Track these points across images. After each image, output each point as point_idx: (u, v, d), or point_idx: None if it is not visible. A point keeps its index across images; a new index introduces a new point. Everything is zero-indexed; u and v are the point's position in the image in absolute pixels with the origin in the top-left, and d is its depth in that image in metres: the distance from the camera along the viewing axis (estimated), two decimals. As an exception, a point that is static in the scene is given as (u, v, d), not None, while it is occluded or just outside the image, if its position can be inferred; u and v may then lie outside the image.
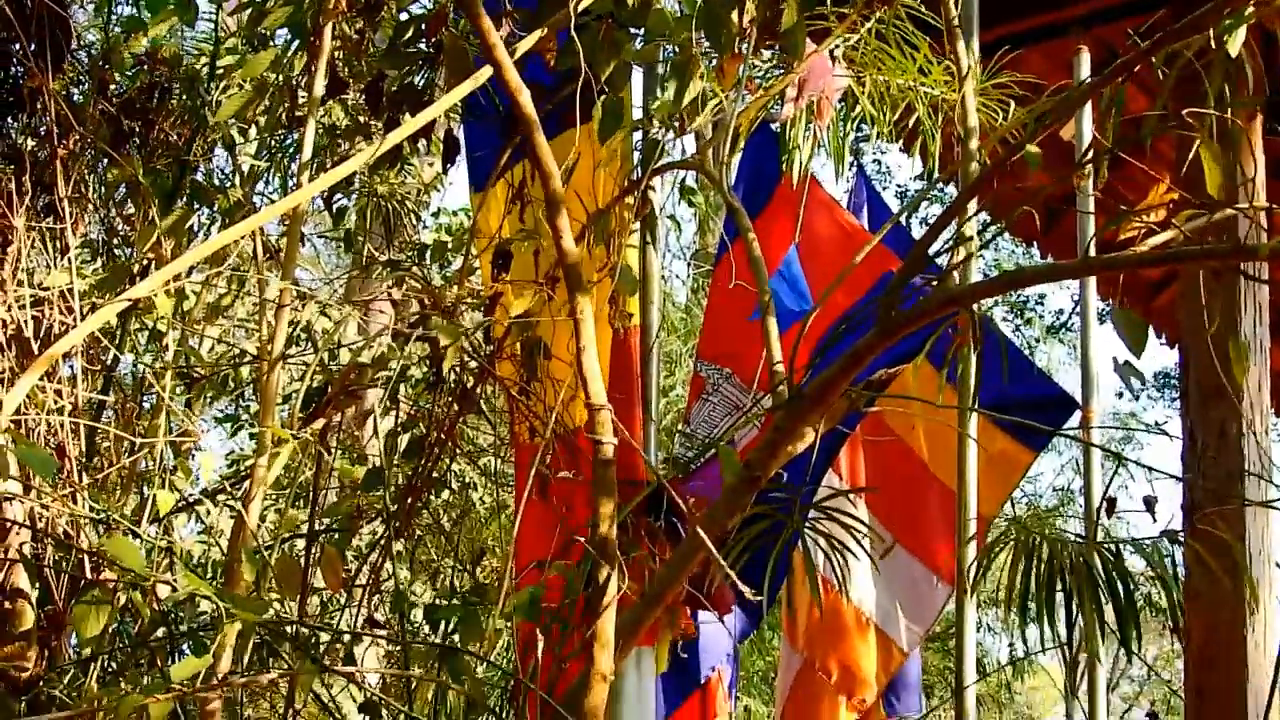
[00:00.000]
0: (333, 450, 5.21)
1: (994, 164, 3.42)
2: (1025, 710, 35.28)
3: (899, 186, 23.58)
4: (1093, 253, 3.89)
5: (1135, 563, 4.29)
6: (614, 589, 3.19)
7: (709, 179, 4.52)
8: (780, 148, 5.30)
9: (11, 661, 3.90)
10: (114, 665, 4.44)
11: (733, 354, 5.95)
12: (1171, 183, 3.20)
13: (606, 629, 3.14)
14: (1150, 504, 4.19)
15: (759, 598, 3.19)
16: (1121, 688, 39.38)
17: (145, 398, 5.22)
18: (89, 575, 4.03)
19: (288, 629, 4.20)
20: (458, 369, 4.79)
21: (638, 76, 4.94)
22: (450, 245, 6.90)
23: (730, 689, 6.29)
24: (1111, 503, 4.53)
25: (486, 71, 3.67)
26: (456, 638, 4.06)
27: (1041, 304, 28.39)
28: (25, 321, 4.38)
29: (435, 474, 4.83)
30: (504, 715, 3.77)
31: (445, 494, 5.83)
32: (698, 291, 21.95)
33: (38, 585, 4.11)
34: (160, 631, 4.30)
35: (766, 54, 4.73)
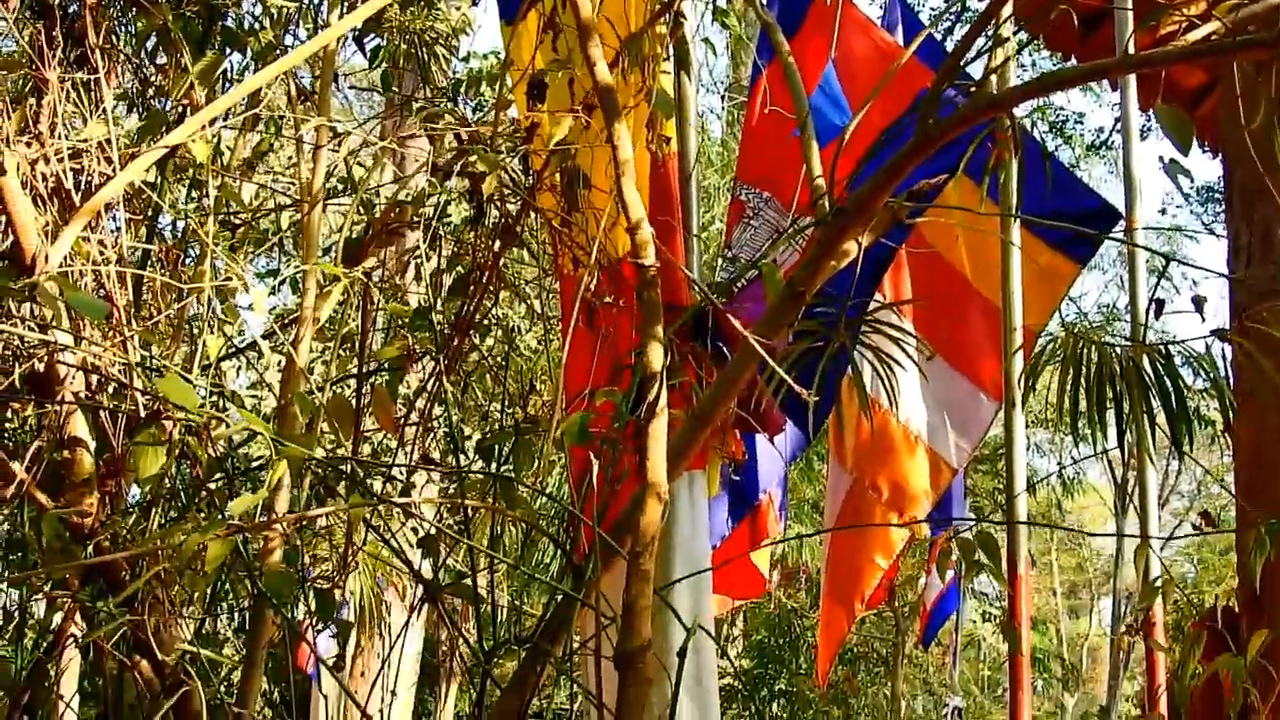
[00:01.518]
0: (377, 292, 5.24)
1: None
2: (1077, 536, 35.44)
3: (932, 9, 23.32)
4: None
5: (1185, 374, 4.28)
6: (664, 408, 3.20)
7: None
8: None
9: (72, 508, 3.94)
10: (173, 511, 4.49)
11: (772, 177, 5.93)
12: (1212, -26, 3.13)
13: (658, 448, 3.16)
14: (1199, 303, 4.16)
15: (815, 397, 3.18)
16: (1171, 504, 39.61)
17: (189, 247, 5.23)
18: (144, 419, 4.06)
19: (343, 469, 4.24)
20: (498, 203, 4.78)
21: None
22: (484, 80, 6.85)
23: (781, 512, 6.36)
24: (1159, 304, 4.50)
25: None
26: (509, 469, 4.10)
27: (1081, 123, 28.20)
28: (65, 174, 4.38)
29: (480, 312, 4.84)
30: (561, 542, 3.80)
31: (490, 340, 5.84)
32: (733, 125, 21.84)
33: (95, 433, 4.14)
34: (217, 476, 4.36)
35: None
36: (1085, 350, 4.02)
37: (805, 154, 3.71)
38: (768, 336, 3.22)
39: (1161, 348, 4.01)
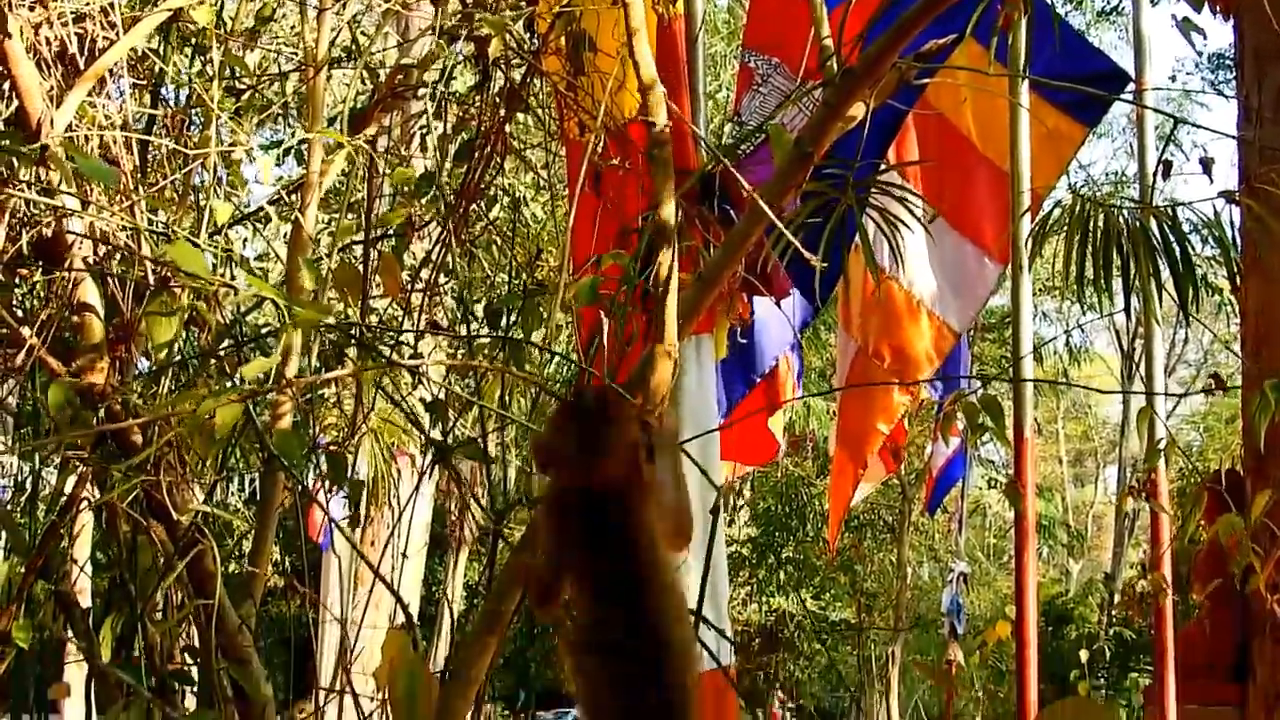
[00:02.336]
0: (383, 159, 5.22)
1: None
2: (1082, 396, 35.64)
3: None
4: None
5: (1193, 242, 4.27)
6: (674, 266, 3.21)
7: None
8: None
9: (83, 374, 3.96)
10: (184, 377, 4.51)
11: (781, 43, 5.89)
12: None
13: (670, 308, 3.17)
14: (1207, 165, 4.15)
15: (822, 263, 3.18)
16: (1178, 372, 39.68)
17: (194, 114, 5.21)
18: (154, 287, 4.07)
19: (352, 334, 4.26)
20: (503, 68, 4.76)
21: None
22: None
23: (798, 379, 6.38)
24: (1168, 165, 4.47)
25: None
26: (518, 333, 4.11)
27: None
28: (69, 38, 4.36)
29: (486, 178, 4.83)
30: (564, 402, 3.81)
31: (497, 209, 5.83)
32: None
33: (104, 299, 4.15)
34: (226, 343, 4.38)
35: None
36: (1093, 214, 4.01)
37: (813, 15, 3.68)
38: (775, 198, 3.22)
39: (1169, 210, 4.00)
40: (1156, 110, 5.64)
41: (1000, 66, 5.20)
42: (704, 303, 3.39)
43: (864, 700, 31.27)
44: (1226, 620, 5.91)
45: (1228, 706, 5.91)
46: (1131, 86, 6.16)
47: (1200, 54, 28.40)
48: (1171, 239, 3.94)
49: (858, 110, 3.28)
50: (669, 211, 3.26)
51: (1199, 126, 3.78)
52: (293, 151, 5.31)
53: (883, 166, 5.38)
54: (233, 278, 4.34)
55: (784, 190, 3.24)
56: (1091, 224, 4.01)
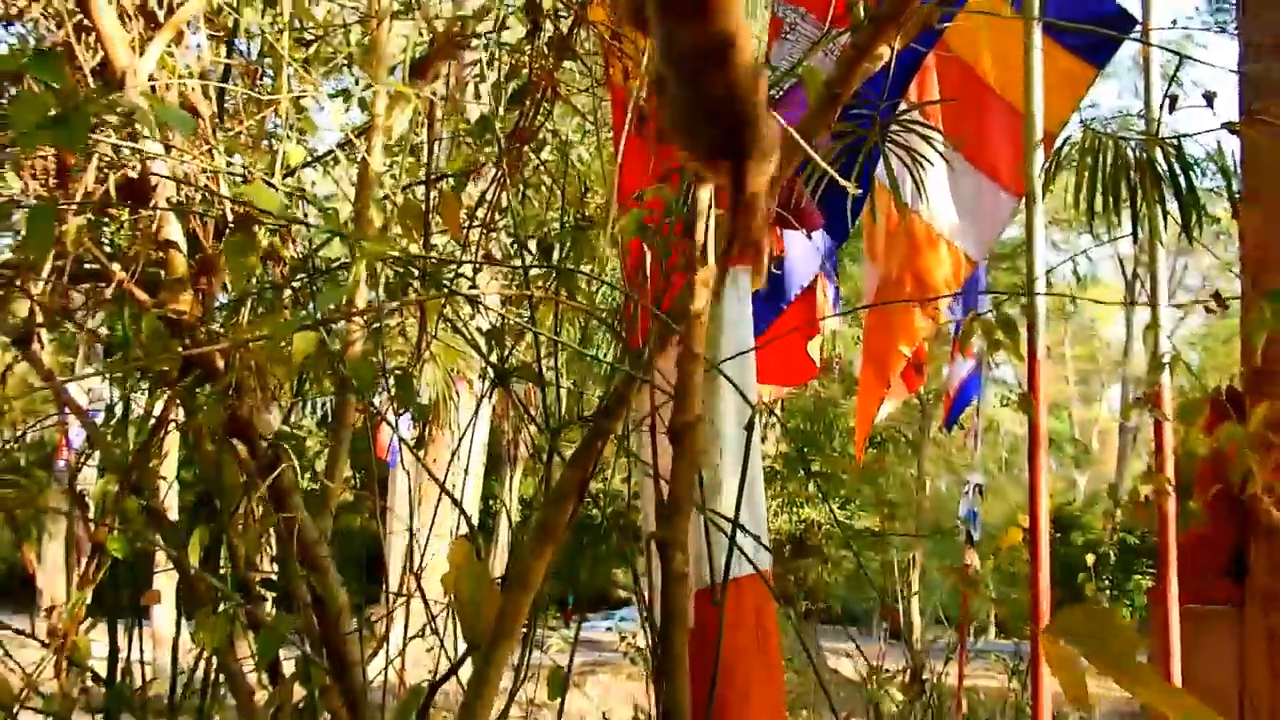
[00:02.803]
0: (441, 105, 5.21)
1: None
2: (1088, 322, 35.60)
3: None
4: None
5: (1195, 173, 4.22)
6: (711, 201, 3.18)
7: None
8: None
9: (168, 305, 3.97)
10: (261, 308, 4.51)
11: (804, -12, 5.83)
12: None
13: (705, 239, 3.15)
14: (1210, 98, 4.10)
15: (856, 189, 3.15)
16: (1178, 297, 39.47)
17: (266, 64, 5.20)
18: (232, 223, 4.08)
19: (415, 266, 4.25)
20: (552, 18, 4.73)
21: None
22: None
23: (834, 301, 6.37)
24: (1174, 100, 4.43)
25: None
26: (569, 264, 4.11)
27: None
28: (149, -5, 4.35)
29: (537, 123, 4.82)
30: (617, 329, 3.81)
31: (546, 151, 5.82)
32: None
33: (187, 236, 4.16)
34: (300, 275, 4.38)
35: None
36: (1103, 146, 3.98)
37: None
38: (809, 135, 3.19)
39: (1173, 141, 3.96)
40: (1162, 47, 5.55)
41: (1014, 11, 5.16)
42: (743, 233, 3.36)
43: (887, 602, 31.38)
44: (1226, 524, 5.88)
45: (1227, 605, 5.90)
46: (1138, 28, 6.08)
47: (1200, -1, 28.10)
48: (1176, 168, 3.90)
49: (883, 52, 3.24)
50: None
51: (1202, 63, 3.73)
52: (357, 99, 5.31)
53: (904, 106, 5.35)
54: (305, 215, 4.35)
55: (816, 128, 3.20)
56: (1101, 156, 3.98)
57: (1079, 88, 6.53)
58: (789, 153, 3.21)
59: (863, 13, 3.34)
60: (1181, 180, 3.90)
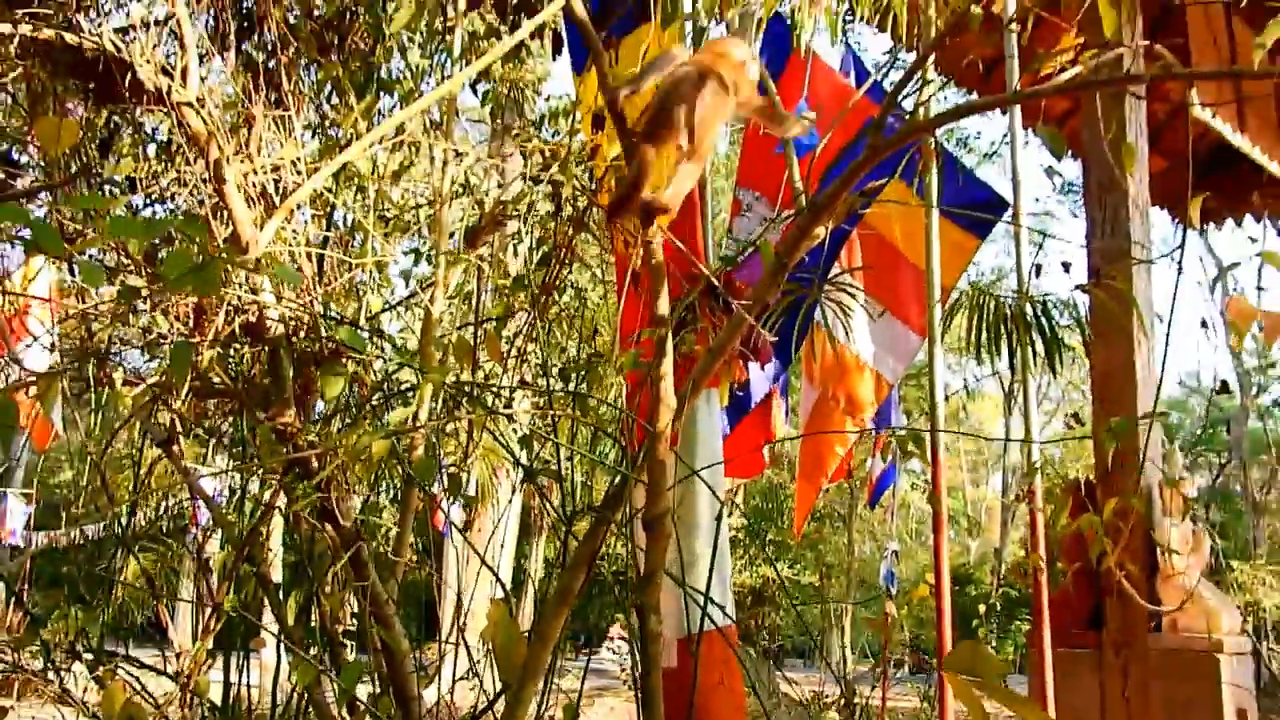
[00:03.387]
0: (487, 265, 5.23)
1: (946, 30, 3.29)
2: (976, 423, 35.51)
3: (874, 60, 23.08)
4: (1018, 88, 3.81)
5: (1057, 315, 4.25)
6: (671, 351, 3.19)
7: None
8: (790, 31, 5.19)
9: (277, 417, 3.96)
10: (348, 419, 4.50)
11: (761, 182, 5.89)
12: (1078, 31, 3.08)
13: (668, 376, 3.15)
14: (1067, 266, 4.15)
15: (794, 336, 3.16)
16: (1045, 405, 39.43)
17: (355, 234, 5.22)
18: (327, 355, 4.08)
19: (465, 390, 4.24)
20: (571, 202, 4.77)
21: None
22: (560, 114, 6.81)
23: (785, 415, 6.38)
24: (1038, 267, 4.48)
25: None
26: (583, 389, 4.11)
27: (978, 138, 27.98)
28: (268, 183, 4.38)
29: (559, 278, 4.84)
30: (618, 439, 3.80)
31: (566, 296, 5.84)
32: (733, 143, 21.74)
33: (292, 364, 4.16)
34: (377, 395, 4.37)
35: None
36: (986, 301, 4.01)
37: (787, 166, 3.67)
38: (764, 294, 3.21)
39: (1040, 298, 4.00)
40: (1031, 229, 5.60)
41: (918, 197, 5.22)
42: (712, 369, 3.36)
43: (824, 641, 31.02)
44: (1086, 587, 5.85)
45: (1087, 649, 5.85)
46: (1010, 211, 6.14)
47: (1058, 184, 28.36)
48: (1042, 318, 3.93)
49: (820, 232, 3.26)
50: (664, 308, 3.24)
51: (1056, 239, 3.76)
52: (424, 257, 5.33)
53: (837, 269, 5.42)
54: (382, 349, 4.34)
55: (769, 289, 3.22)
56: (985, 309, 4.01)
57: (967, 254, 6.61)
58: (750, 308, 3.22)
59: (804, 201, 3.37)
60: (1046, 329, 3.93)
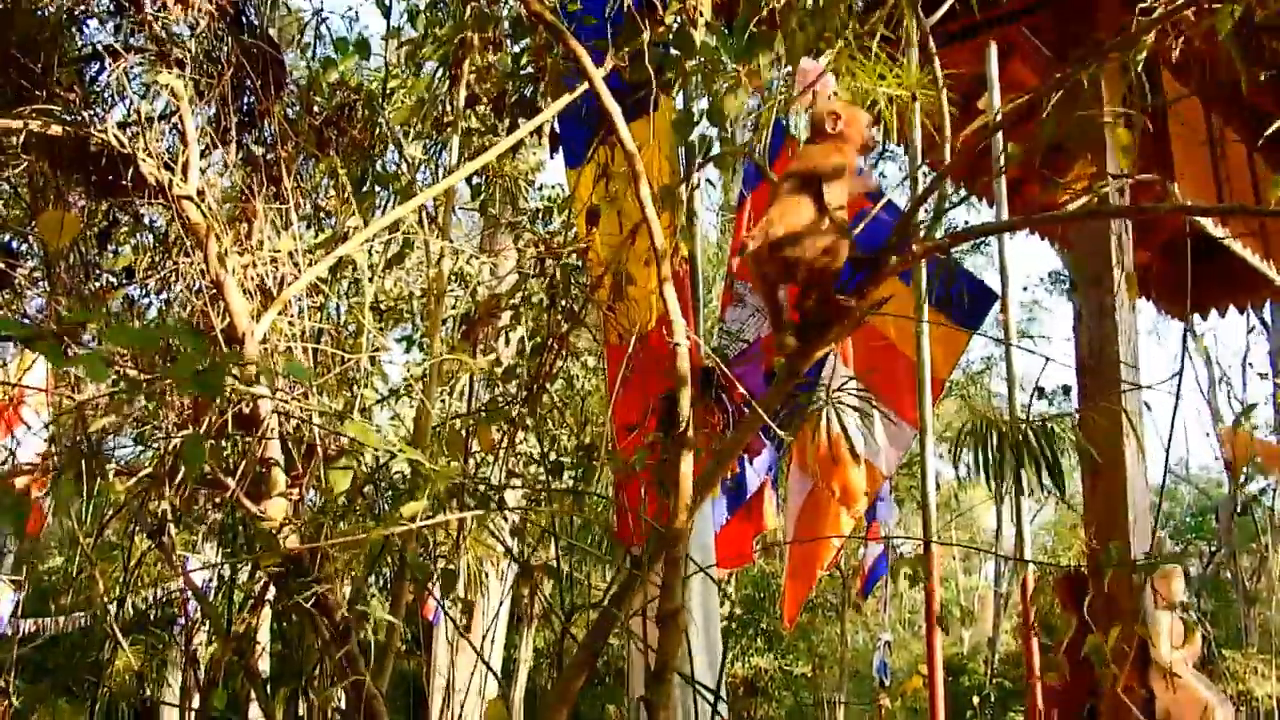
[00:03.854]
0: (481, 356, 5.24)
1: (967, 149, 3.31)
2: (969, 514, 35.42)
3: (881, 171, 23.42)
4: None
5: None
6: (691, 448, 3.17)
7: (749, 157, 4.49)
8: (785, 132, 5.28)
9: (267, 511, 3.95)
10: (339, 509, 4.47)
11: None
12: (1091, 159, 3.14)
13: (688, 477, 3.14)
14: (1066, 390, 4.20)
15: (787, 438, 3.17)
16: (1035, 493, 39.37)
17: (349, 325, 5.24)
18: (333, 449, 4.07)
19: (459, 485, 4.23)
20: (565, 294, 4.80)
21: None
22: (555, 209, 6.88)
23: (779, 505, 6.37)
24: (1040, 390, 4.50)
25: (583, 87, 3.62)
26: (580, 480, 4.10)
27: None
28: (266, 275, 4.41)
29: (552, 369, 4.85)
30: (613, 534, 3.81)
31: (559, 383, 5.85)
32: (724, 232, 21.92)
33: (285, 456, 4.15)
34: (368, 485, 4.35)
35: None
36: (989, 429, 4.04)
37: None
38: (774, 400, 3.22)
39: (1040, 420, 4.02)
40: (1018, 335, 5.65)
41: (910, 292, 5.29)
42: (719, 475, 3.38)
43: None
44: (1081, 682, 5.80)
45: (1081, 744, 5.80)
46: (999, 304, 6.19)
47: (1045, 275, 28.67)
48: (1043, 443, 3.96)
49: (834, 339, 3.29)
50: (686, 403, 3.22)
51: (1039, 338, 3.80)
52: (416, 344, 5.34)
53: (838, 370, 5.50)
54: (383, 442, 4.33)
55: (780, 396, 3.23)
56: (989, 433, 4.04)
57: (959, 346, 6.68)
58: (755, 418, 3.22)
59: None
60: (1048, 454, 3.96)
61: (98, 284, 5.03)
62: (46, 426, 5.51)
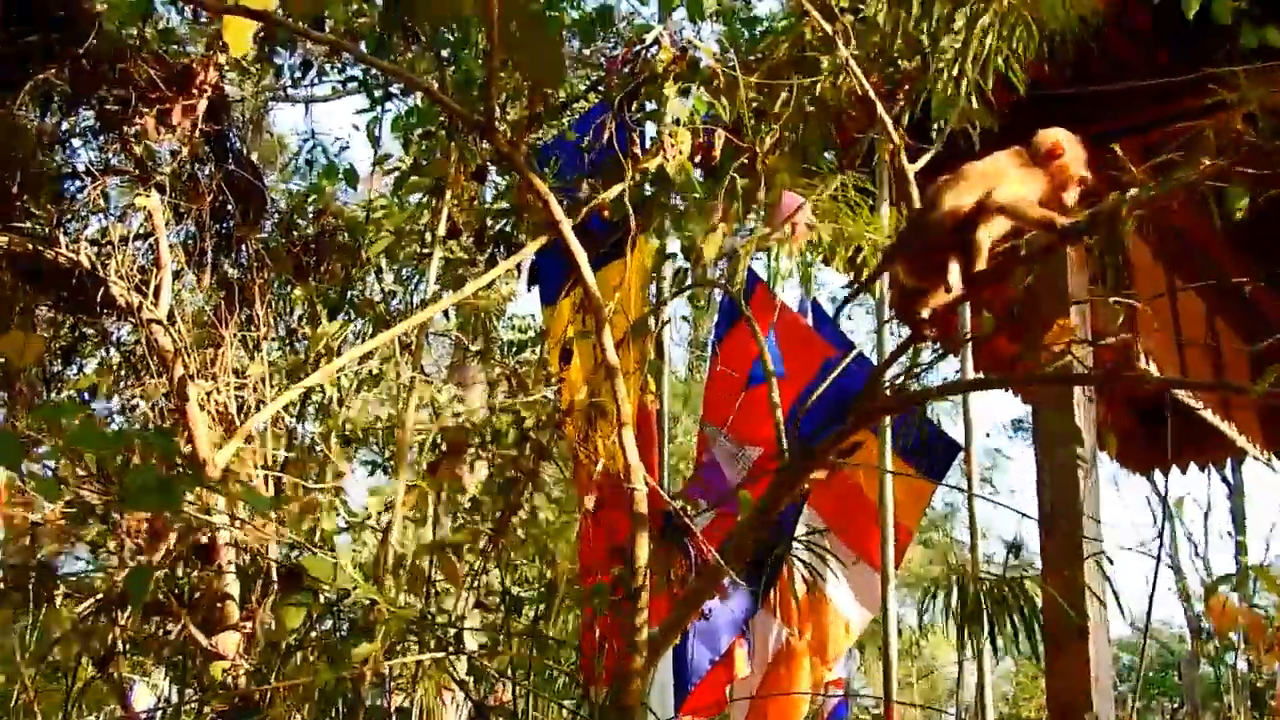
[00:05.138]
0: (444, 490, 5.15)
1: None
2: (930, 659, 35.06)
3: (830, 295, 23.64)
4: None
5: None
6: (646, 600, 3.09)
7: (724, 290, 4.48)
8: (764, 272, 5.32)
9: (218, 651, 3.86)
10: (294, 644, 4.34)
11: (725, 417, 5.88)
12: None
13: (643, 626, 3.05)
14: (1018, 549, 4.18)
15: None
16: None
17: (314, 450, 5.15)
18: (279, 581, 3.96)
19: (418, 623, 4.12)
20: (535, 430, 4.75)
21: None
22: (527, 341, 6.87)
23: (750, 657, 6.21)
24: (1017, 548, 4.48)
25: (554, 230, 3.58)
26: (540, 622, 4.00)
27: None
28: (230, 401, 4.34)
29: (518, 503, 4.78)
30: (575, 677, 3.69)
31: (524, 517, 5.77)
32: (692, 369, 21.99)
33: (240, 589, 4.05)
34: (324, 627, 4.23)
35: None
36: (971, 586, 3.99)
37: (770, 407, 3.57)
38: (742, 549, 3.14)
39: (1016, 579, 3.98)
40: (981, 486, 5.64)
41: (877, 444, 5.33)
42: (685, 622, 3.28)
43: None
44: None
45: None
46: (962, 454, 6.17)
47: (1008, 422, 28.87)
48: (1019, 599, 3.91)
49: (806, 485, 3.23)
50: (643, 556, 3.12)
51: (999, 503, 3.79)
52: (381, 468, 5.26)
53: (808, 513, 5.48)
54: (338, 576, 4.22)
55: (747, 539, 3.15)
56: (961, 590, 3.99)
57: (924, 496, 6.68)
58: (717, 571, 3.14)
59: (789, 456, 3.32)
60: (1024, 610, 3.91)
61: (59, 402, 4.96)
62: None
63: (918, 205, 2.94)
